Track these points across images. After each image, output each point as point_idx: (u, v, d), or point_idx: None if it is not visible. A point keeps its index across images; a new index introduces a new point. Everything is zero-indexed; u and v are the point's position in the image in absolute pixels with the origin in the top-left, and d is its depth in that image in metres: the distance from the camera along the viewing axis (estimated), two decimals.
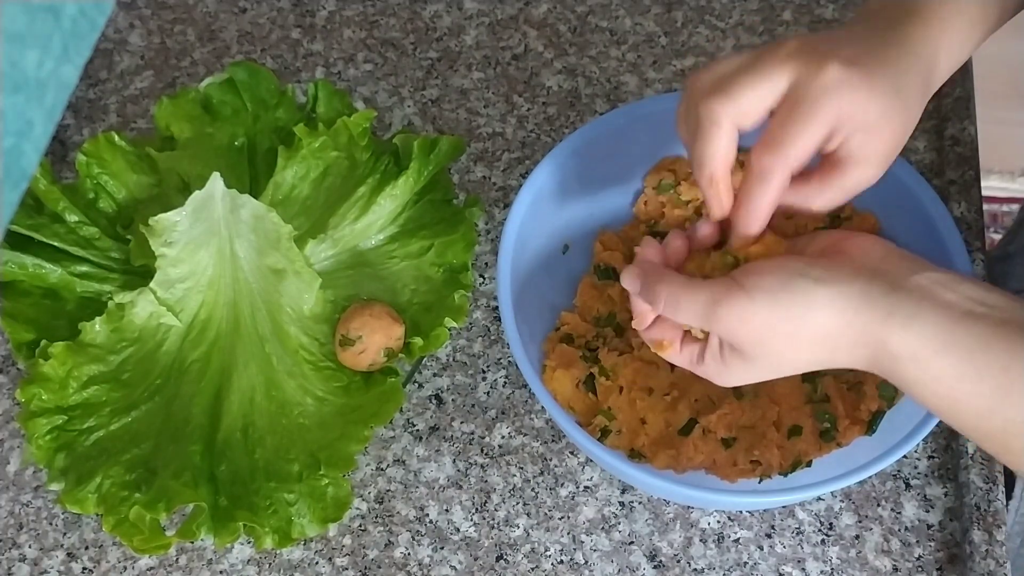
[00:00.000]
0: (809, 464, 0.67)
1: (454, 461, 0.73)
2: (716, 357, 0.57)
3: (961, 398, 0.51)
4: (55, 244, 0.76)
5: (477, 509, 0.71)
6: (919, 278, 0.53)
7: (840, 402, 0.68)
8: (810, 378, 0.69)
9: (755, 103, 0.54)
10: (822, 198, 0.57)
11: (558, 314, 0.74)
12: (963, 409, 0.51)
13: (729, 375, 0.57)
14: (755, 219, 0.57)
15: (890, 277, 0.53)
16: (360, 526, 0.71)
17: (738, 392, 0.69)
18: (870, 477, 0.70)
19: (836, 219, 0.73)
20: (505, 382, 0.75)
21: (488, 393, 0.75)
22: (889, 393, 0.68)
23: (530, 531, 0.70)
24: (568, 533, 0.70)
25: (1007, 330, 0.50)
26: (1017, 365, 0.49)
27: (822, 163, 0.57)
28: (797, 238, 0.61)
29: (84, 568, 0.70)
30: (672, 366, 0.70)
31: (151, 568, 0.70)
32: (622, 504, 0.71)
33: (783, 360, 0.55)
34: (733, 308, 0.54)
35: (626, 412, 0.69)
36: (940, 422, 0.63)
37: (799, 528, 0.70)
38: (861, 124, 0.54)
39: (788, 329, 0.53)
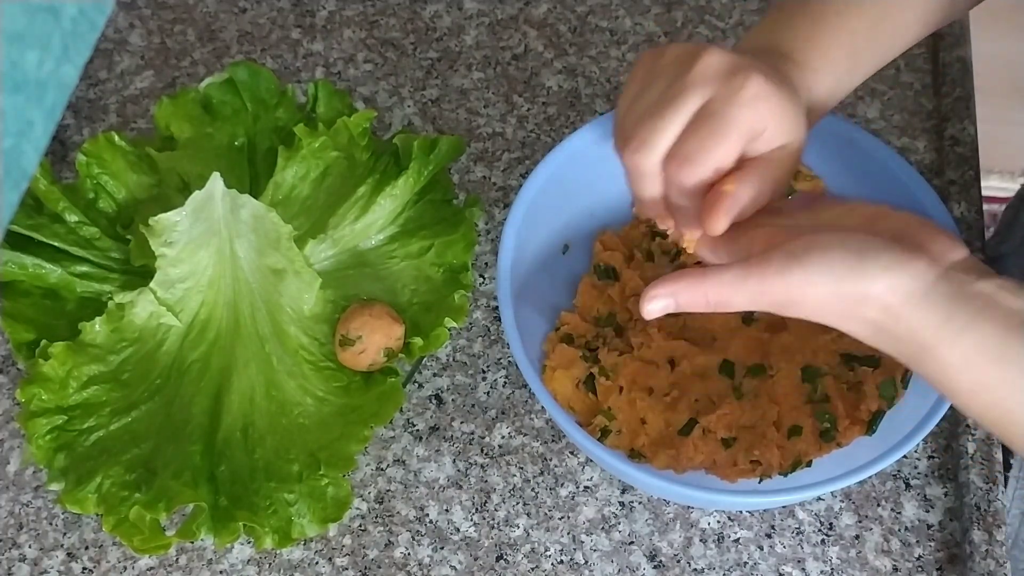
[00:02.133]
0: (809, 464, 0.67)
1: (454, 461, 0.73)
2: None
3: (1014, 408, 0.49)
4: (55, 244, 0.76)
5: (477, 509, 0.71)
6: (984, 284, 0.50)
7: (840, 402, 0.68)
8: (810, 378, 0.69)
9: (674, 137, 0.55)
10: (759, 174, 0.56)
11: (558, 314, 0.74)
12: (1016, 419, 0.50)
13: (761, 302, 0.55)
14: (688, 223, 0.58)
15: (958, 280, 0.50)
16: (360, 526, 0.71)
17: (738, 392, 0.69)
18: (870, 477, 0.70)
19: None
20: (505, 382, 0.75)
21: (488, 393, 0.75)
22: (889, 393, 0.68)
23: (530, 531, 0.70)
24: (568, 533, 0.70)
25: None
26: None
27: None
28: (825, 201, 0.59)
29: (84, 568, 0.70)
30: (672, 366, 0.71)
31: (151, 568, 0.70)
32: (622, 504, 0.71)
33: (826, 320, 0.53)
34: (789, 286, 0.51)
35: (626, 412, 0.69)
36: (940, 422, 0.64)
37: (799, 528, 0.70)
38: (775, 133, 0.55)
39: (840, 308, 0.51)
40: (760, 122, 0.54)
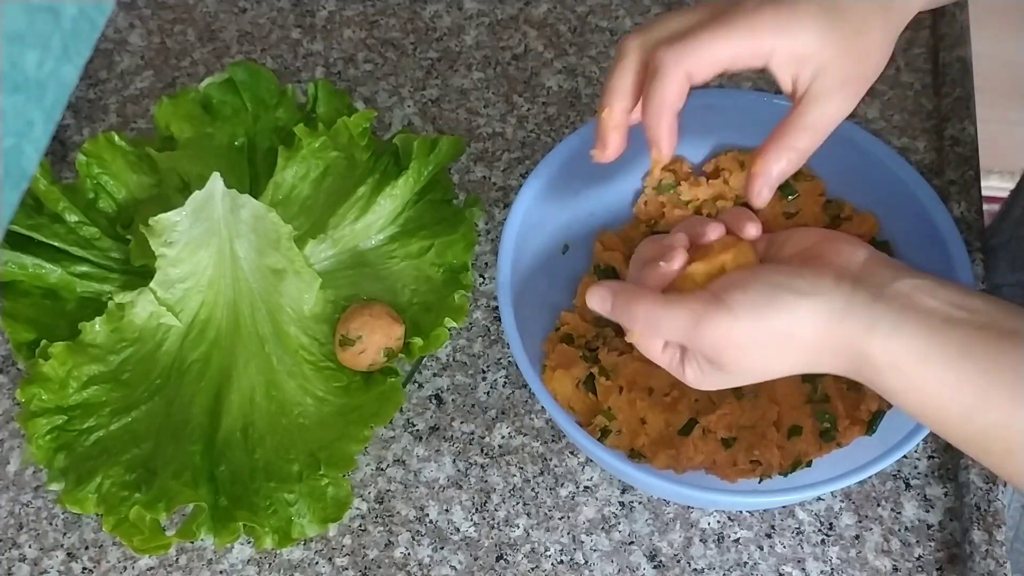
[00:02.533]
0: (809, 464, 0.67)
1: (454, 461, 0.73)
2: (695, 369, 0.57)
3: (943, 404, 0.52)
4: (55, 244, 0.76)
5: (477, 509, 0.71)
6: (900, 284, 0.53)
7: (840, 402, 0.68)
8: (810, 378, 0.69)
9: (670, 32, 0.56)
10: (789, 138, 0.56)
11: (558, 314, 0.73)
12: (946, 415, 0.52)
13: (709, 384, 0.57)
14: (658, 124, 0.56)
15: (872, 284, 0.53)
16: (360, 526, 0.71)
17: (738, 392, 0.69)
18: (870, 477, 0.70)
19: (836, 219, 0.73)
20: (505, 382, 0.75)
21: (488, 393, 0.75)
22: None
23: (530, 531, 0.70)
24: (568, 533, 0.70)
25: (987, 334, 0.51)
26: (997, 369, 0.50)
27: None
28: (775, 234, 0.61)
29: (84, 568, 0.70)
30: None
31: (151, 568, 0.70)
32: (622, 504, 0.71)
33: (766, 370, 0.55)
34: (717, 326, 0.54)
35: (626, 412, 0.69)
36: None
37: (799, 528, 0.70)
38: (800, 56, 0.54)
39: (772, 343, 0.53)
40: (757, 50, 0.54)
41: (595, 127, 0.59)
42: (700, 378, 0.57)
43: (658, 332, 0.56)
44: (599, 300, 0.59)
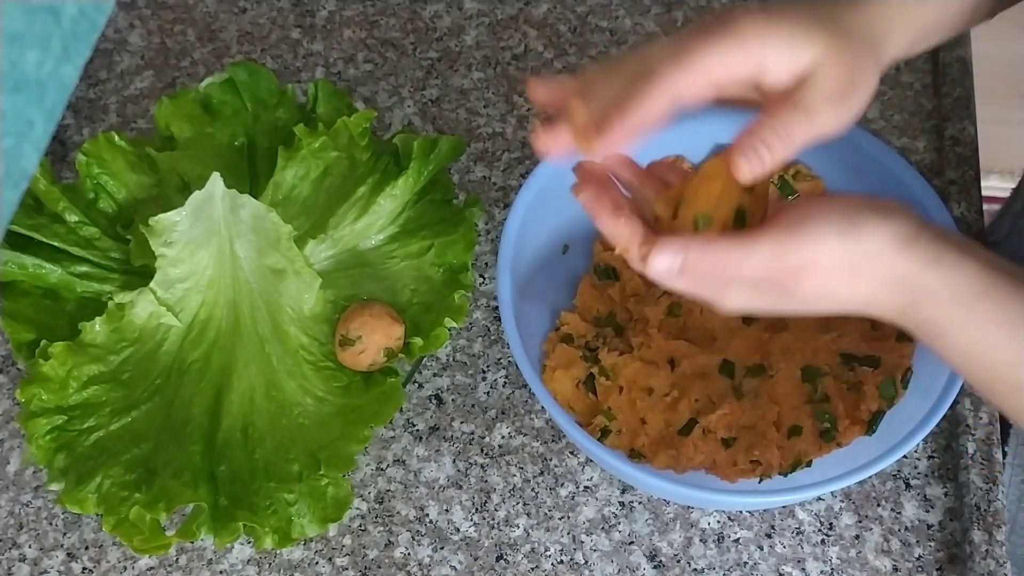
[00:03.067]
0: (809, 464, 0.67)
1: (454, 461, 0.73)
2: (738, 295, 0.53)
3: (997, 344, 0.52)
4: (55, 244, 0.76)
5: (477, 509, 0.71)
6: (955, 235, 0.54)
7: (840, 402, 0.68)
8: (810, 378, 0.69)
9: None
10: (772, 137, 0.53)
11: (558, 314, 0.73)
12: (996, 357, 0.52)
13: (752, 308, 0.54)
14: (619, 121, 0.53)
15: (935, 230, 0.53)
16: (360, 526, 0.71)
17: (738, 392, 0.69)
18: (870, 477, 0.70)
19: None
20: (505, 382, 0.75)
21: (488, 393, 0.75)
22: (889, 393, 0.68)
23: (530, 531, 0.70)
24: (568, 533, 0.70)
25: None
26: None
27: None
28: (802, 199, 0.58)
29: (84, 568, 0.70)
30: (672, 366, 0.70)
31: (151, 568, 0.70)
32: (622, 504, 0.71)
33: (830, 298, 0.53)
34: (801, 249, 0.51)
35: (626, 412, 0.69)
36: (940, 422, 0.64)
37: (799, 528, 0.70)
38: (785, 65, 0.52)
39: (850, 267, 0.52)
40: (747, 59, 0.52)
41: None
42: (744, 304, 0.54)
43: (742, 275, 0.53)
44: (667, 265, 0.52)
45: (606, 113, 0.53)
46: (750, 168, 0.52)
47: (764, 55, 0.52)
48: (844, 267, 0.52)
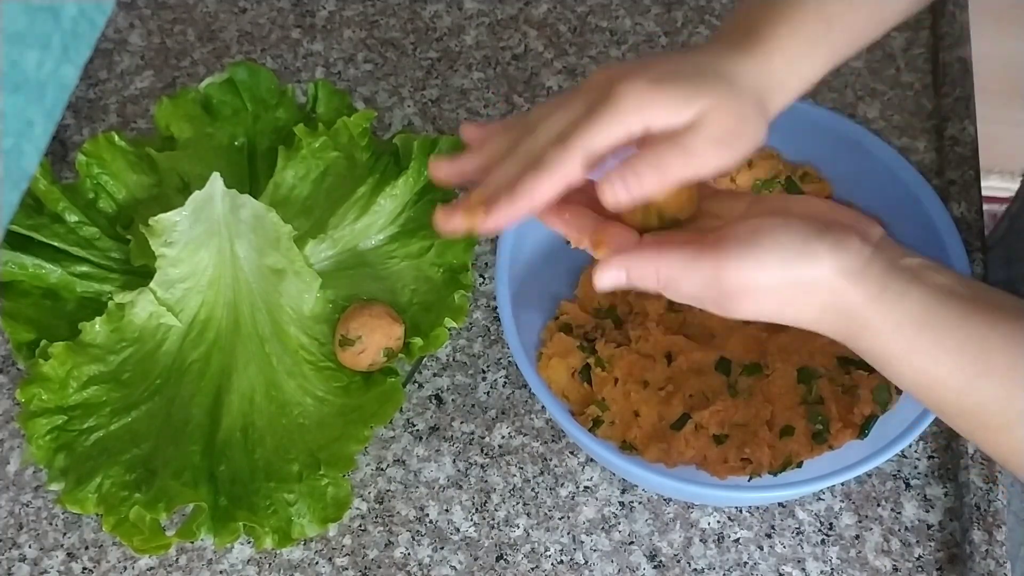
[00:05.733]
0: (799, 465, 0.67)
1: (454, 461, 0.73)
2: (689, 300, 0.54)
3: (941, 374, 0.52)
4: (55, 244, 0.76)
5: (477, 509, 0.71)
6: (910, 260, 0.54)
7: (834, 404, 0.68)
8: (806, 379, 0.69)
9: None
10: (645, 167, 0.53)
11: (559, 304, 0.74)
12: (943, 386, 0.52)
13: (706, 305, 0.55)
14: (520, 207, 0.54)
15: (887, 256, 0.53)
16: (360, 526, 0.71)
17: (733, 390, 0.69)
18: (870, 477, 0.70)
19: None
20: (505, 382, 0.75)
21: (488, 393, 0.75)
22: (883, 398, 0.68)
23: (530, 531, 0.70)
24: (568, 533, 0.70)
25: (986, 307, 0.52)
26: (996, 335, 0.51)
27: None
28: (768, 196, 0.59)
29: (84, 568, 0.70)
30: (669, 361, 0.71)
31: (151, 568, 0.70)
32: (622, 504, 0.71)
33: (775, 316, 0.54)
34: (742, 273, 0.52)
35: (620, 404, 0.69)
36: (934, 424, 0.64)
37: (799, 528, 0.70)
38: (669, 123, 0.52)
39: (794, 292, 0.52)
40: (628, 129, 0.52)
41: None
42: (701, 303, 0.54)
43: (681, 291, 0.54)
44: (612, 281, 0.55)
45: (497, 195, 0.54)
46: (612, 193, 0.53)
47: (645, 122, 0.52)
48: (783, 292, 0.52)
